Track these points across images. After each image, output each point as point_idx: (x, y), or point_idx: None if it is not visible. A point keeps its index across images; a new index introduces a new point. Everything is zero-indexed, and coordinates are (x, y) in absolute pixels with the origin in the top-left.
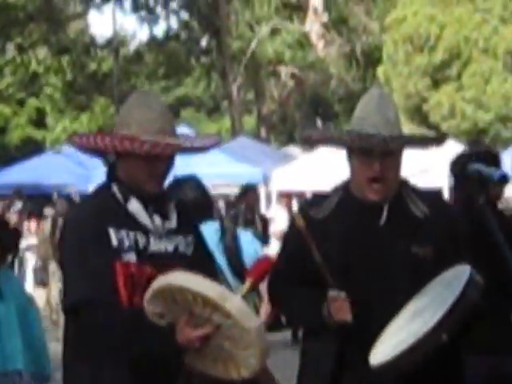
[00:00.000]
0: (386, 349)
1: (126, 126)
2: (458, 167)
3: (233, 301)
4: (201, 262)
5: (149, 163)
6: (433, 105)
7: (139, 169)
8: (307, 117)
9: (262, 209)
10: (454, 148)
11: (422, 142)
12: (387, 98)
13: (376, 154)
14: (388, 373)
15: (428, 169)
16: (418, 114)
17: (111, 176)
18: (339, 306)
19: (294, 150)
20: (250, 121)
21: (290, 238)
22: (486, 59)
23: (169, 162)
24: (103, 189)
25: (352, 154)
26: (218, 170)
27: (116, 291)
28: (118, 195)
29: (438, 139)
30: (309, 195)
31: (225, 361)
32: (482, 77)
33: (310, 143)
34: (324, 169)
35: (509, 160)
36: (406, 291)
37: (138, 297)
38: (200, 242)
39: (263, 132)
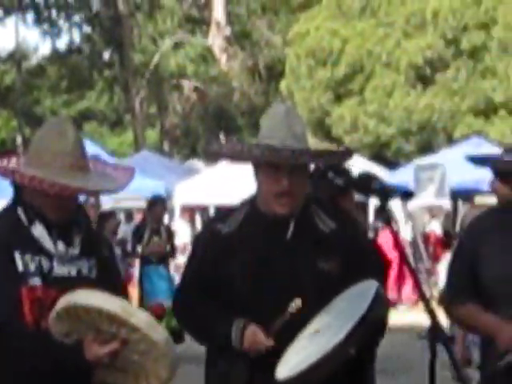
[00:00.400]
0: (292, 364)
1: (38, 156)
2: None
3: (138, 315)
4: (106, 283)
5: (56, 200)
6: (335, 118)
7: (46, 202)
8: (210, 130)
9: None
10: (356, 162)
11: (330, 156)
12: (294, 112)
13: (284, 169)
14: None
15: None
16: (321, 128)
17: (16, 198)
18: (254, 340)
19: (197, 163)
20: (152, 134)
21: (200, 249)
22: (388, 73)
23: (77, 197)
24: (8, 211)
25: (259, 168)
26: None
27: (22, 316)
28: (23, 218)
29: (346, 153)
30: (212, 209)
31: (135, 373)
32: (384, 91)
33: (217, 157)
34: (227, 183)
35: (411, 173)
36: (313, 306)
37: (45, 320)
38: (107, 263)
39: (166, 146)
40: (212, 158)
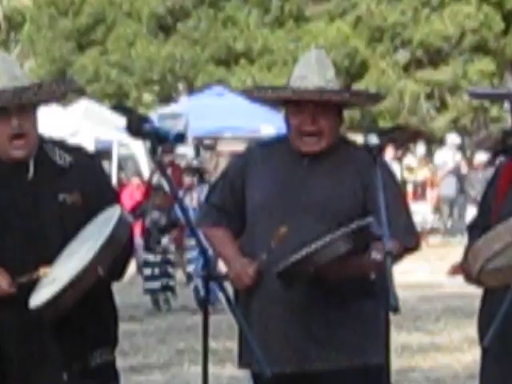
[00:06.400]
0: (43, 292)
1: None
2: None
3: None
4: None
5: None
6: (77, 68)
7: None
8: None
9: None
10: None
11: (57, 92)
12: (10, 58)
13: (11, 110)
14: (47, 313)
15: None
16: (63, 78)
17: None
18: None
19: None
20: None
21: None
22: (130, 23)
23: None
24: None
25: None
26: None
27: None
28: None
29: (68, 85)
30: None
31: None
32: (126, 40)
33: None
34: None
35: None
36: (60, 240)
37: None
38: None
39: None
40: None
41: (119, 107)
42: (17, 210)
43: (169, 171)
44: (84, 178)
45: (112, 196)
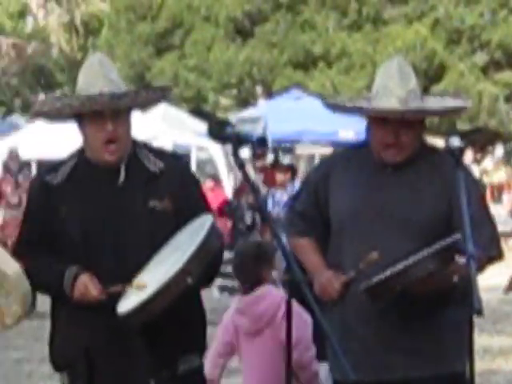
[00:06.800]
0: (132, 298)
1: None
2: None
3: None
4: None
5: None
6: (156, 73)
7: None
8: (29, 87)
9: None
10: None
11: (153, 98)
12: (106, 60)
13: (107, 115)
14: (135, 320)
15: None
16: (141, 83)
17: None
18: (84, 291)
19: (17, 119)
20: None
21: (32, 203)
22: (208, 27)
23: None
24: None
25: (83, 119)
26: None
27: None
28: None
29: (163, 92)
30: (34, 165)
31: None
32: (204, 44)
33: (39, 117)
34: (48, 138)
35: None
36: (149, 246)
37: None
38: None
39: None
40: (34, 117)
41: (198, 111)
42: (107, 215)
43: (262, 175)
44: (175, 185)
45: (203, 204)
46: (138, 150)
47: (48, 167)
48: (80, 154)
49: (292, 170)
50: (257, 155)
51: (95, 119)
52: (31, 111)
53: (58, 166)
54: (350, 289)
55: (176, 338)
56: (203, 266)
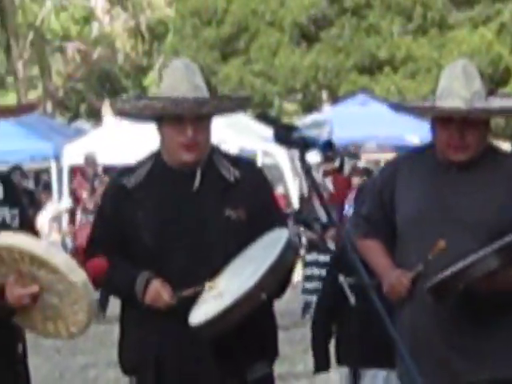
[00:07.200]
0: (204, 310)
1: None
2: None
3: (59, 256)
4: (27, 232)
5: None
6: (222, 78)
7: None
8: (95, 92)
9: (54, 185)
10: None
11: (234, 107)
12: (192, 65)
13: (188, 119)
14: (207, 332)
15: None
16: (207, 88)
17: None
18: (156, 296)
19: (83, 124)
20: (35, 96)
21: (106, 206)
22: (273, 32)
23: None
24: None
25: (163, 121)
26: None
27: None
28: None
29: (245, 102)
30: (100, 170)
31: (54, 319)
32: (269, 49)
33: (121, 115)
34: (114, 142)
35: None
36: (222, 254)
37: None
38: (28, 215)
39: (49, 107)
40: (120, 116)
41: (264, 116)
42: (181, 219)
43: (331, 179)
44: (250, 195)
45: (277, 215)
46: (215, 157)
47: (123, 170)
48: (156, 156)
49: (367, 173)
50: (328, 158)
51: (176, 123)
52: (114, 108)
53: (133, 169)
54: (417, 286)
55: (246, 347)
56: (278, 281)
